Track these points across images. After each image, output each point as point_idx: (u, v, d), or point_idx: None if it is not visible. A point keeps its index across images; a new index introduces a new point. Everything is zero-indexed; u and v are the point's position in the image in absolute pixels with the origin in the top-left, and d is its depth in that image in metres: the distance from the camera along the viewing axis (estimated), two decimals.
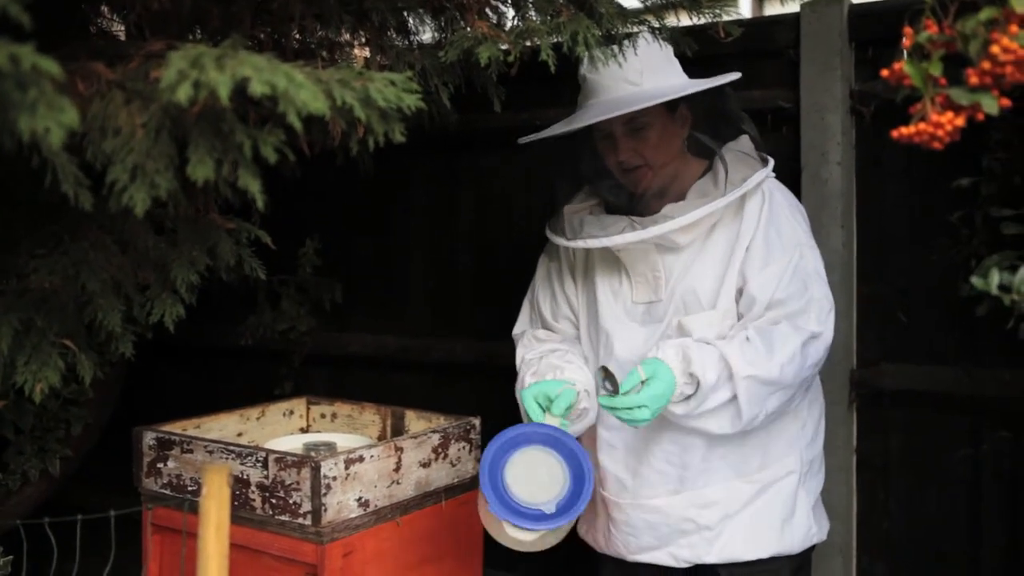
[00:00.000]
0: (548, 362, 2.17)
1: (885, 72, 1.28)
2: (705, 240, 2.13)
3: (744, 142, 2.20)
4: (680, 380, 1.92)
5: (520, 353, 2.31)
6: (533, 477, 1.89)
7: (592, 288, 2.25)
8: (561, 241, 2.19)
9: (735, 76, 2.15)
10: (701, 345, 1.97)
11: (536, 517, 1.88)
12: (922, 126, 1.24)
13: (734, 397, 1.95)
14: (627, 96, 2.09)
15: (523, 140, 2.24)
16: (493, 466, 1.90)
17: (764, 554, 2.14)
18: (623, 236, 2.08)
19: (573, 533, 2.43)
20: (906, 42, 1.28)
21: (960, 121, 1.23)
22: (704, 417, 1.99)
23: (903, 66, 1.26)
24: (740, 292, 2.08)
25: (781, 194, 2.18)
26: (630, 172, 2.15)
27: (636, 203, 2.17)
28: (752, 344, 1.97)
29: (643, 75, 2.08)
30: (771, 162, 2.16)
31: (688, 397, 1.95)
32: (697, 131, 2.19)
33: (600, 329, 2.22)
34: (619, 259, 2.19)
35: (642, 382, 1.90)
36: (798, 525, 2.17)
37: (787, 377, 1.98)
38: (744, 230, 2.10)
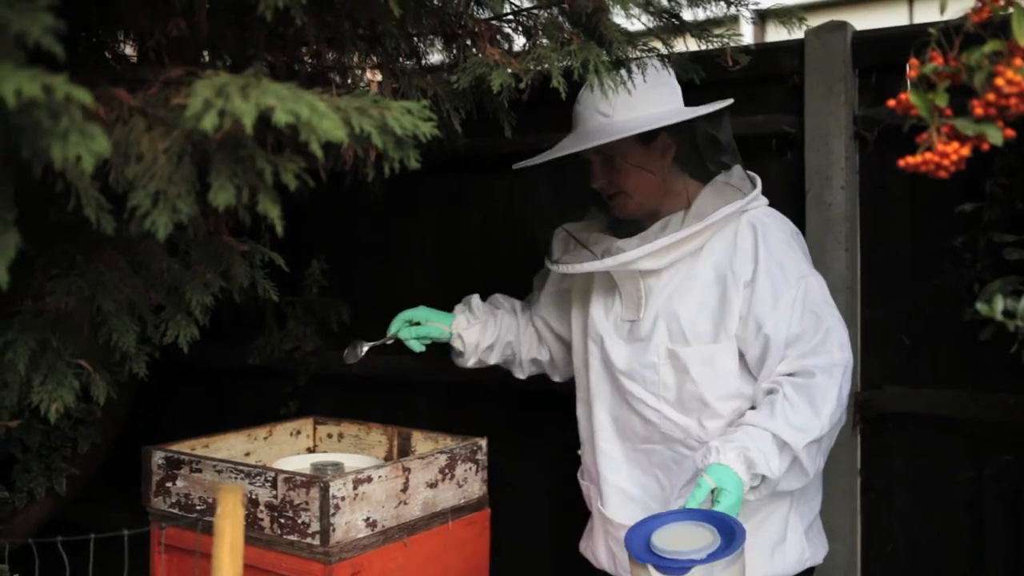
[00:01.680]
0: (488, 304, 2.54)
1: (892, 102, 1.31)
2: (692, 266, 2.16)
3: (736, 171, 2.24)
4: (746, 480, 1.92)
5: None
6: (677, 543, 1.77)
7: (587, 302, 2.33)
8: (547, 263, 2.33)
9: (719, 105, 2.17)
10: (756, 437, 1.94)
11: (685, 567, 1.73)
12: (928, 155, 1.26)
13: (795, 459, 1.97)
14: (596, 127, 2.16)
15: (517, 166, 2.31)
16: (638, 534, 1.81)
17: None
18: (583, 265, 2.18)
19: (575, 549, 2.46)
20: (912, 73, 1.31)
21: (966, 151, 1.26)
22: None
23: (909, 96, 1.28)
24: (754, 332, 2.08)
25: (774, 223, 2.19)
26: (611, 198, 2.23)
27: (621, 226, 2.26)
28: (795, 407, 1.97)
29: (615, 107, 2.12)
30: (753, 193, 2.17)
31: (758, 486, 1.97)
32: (680, 161, 2.22)
33: (591, 339, 2.30)
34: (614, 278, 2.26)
35: (712, 491, 1.89)
36: (791, 549, 2.18)
37: (834, 421, 2.01)
38: (740, 265, 2.11)
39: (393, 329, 2.47)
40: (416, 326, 2.48)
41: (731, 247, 2.13)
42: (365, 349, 2.47)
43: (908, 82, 1.32)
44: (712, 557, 1.71)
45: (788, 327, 2.05)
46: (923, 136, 1.27)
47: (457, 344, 2.51)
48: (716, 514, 1.83)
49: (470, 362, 2.53)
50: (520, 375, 2.62)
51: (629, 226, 2.24)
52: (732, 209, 2.12)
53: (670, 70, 2.13)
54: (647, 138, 2.16)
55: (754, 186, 2.20)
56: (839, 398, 2.01)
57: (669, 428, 2.18)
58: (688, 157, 2.22)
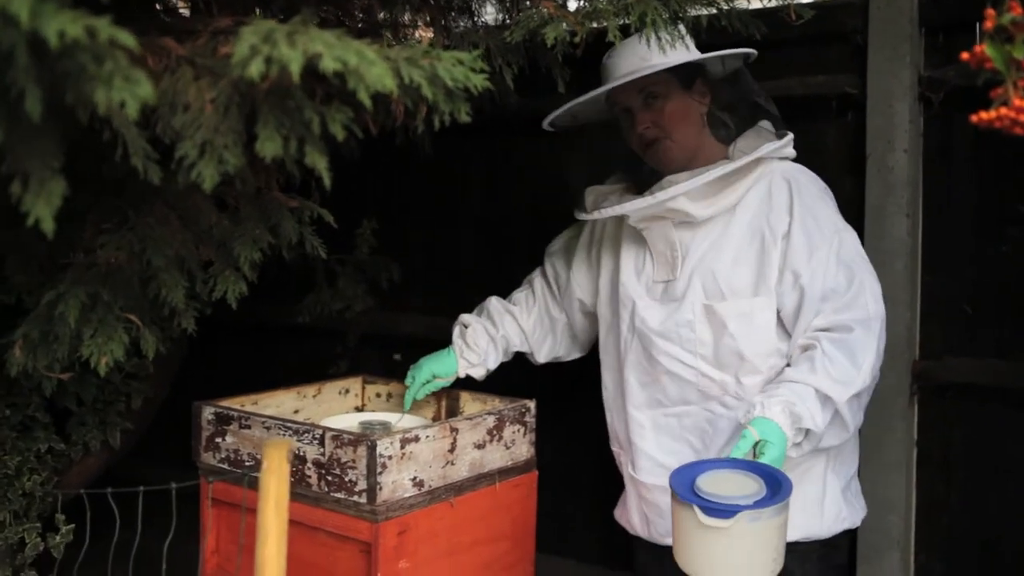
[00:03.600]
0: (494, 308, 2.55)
1: (965, 55, 1.25)
2: (727, 223, 2.15)
3: (765, 123, 2.23)
4: (790, 435, 1.89)
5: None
6: (723, 488, 1.74)
7: (616, 268, 2.32)
8: (580, 214, 2.30)
9: (748, 51, 2.16)
10: (799, 393, 1.92)
11: (731, 511, 1.69)
12: (1004, 111, 1.20)
13: (836, 413, 1.95)
14: (638, 70, 2.12)
15: (547, 121, 2.29)
16: (682, 477, 1.78)
17: (790, 537, 2.12)
18: (632, 203, 2.13)
19: (611, 519, 2.45)
20: (988, 24, 1.24)
21: None
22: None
23: (985, 49, 1.22)
24: (791, 283, 2.07)
25: (806, 178, 2.18)
26: (650, 146, 2.19)
27: (649, 186, 2.21)
28: (835, 361, 1.95)
29: (653, 52, 2.08)
30: (788, 137, 2.16)
31: (800, 442, 1.94)
32: (717, 108, 2.21)
33: (622, 303, 2.28)
34: (644, 239, 2.24)
35: (756, 443, 1.86)
36: (828, 508, 2.16)
37: (874, 375, 2.00)
38: (777, 219, 2.10)
39: (409, 400, 2.51)
40: (429, 383, 2.51)
41: (766, 202, 2.13)
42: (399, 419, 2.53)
43: (983, 34, 1.25)
44: (759, 504, 1.69)
45: (823, 280, 2.04)
46: (998, 91, 1.21)
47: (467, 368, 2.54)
48: (761, 466, 1.80)
49: (483, 376, 2.57)
50: (535, 363, 2.64)
51: (651, 182, 2.22)
52: (773, 147, 2.11)
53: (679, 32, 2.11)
54: (687, 81, 2.16)
55: (780, 131, 2.21)
56: (878, 351, 2.00)
57: (706, 385, 2.17)
58: (721, 108, 2.22)
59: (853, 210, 2.65)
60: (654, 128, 2.18)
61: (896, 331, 2.59)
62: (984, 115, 1.22)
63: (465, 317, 2.55)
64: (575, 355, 2.62)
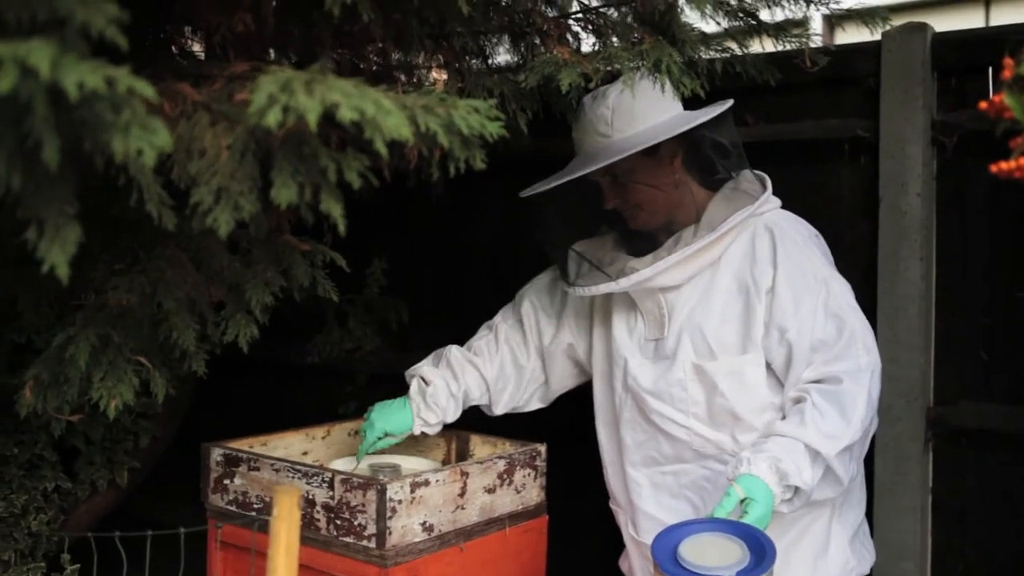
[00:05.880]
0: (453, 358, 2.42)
1: (984, 104, 1.24)
2: (712, 278, 2.11)
3: (745, 175, 2.17)
4: (777, 492, 1.84)
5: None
6: (705, 555, 1.71)
7: (609, 323, 2.28)
8: (564, 285, 2.28)
9: (719, 109, 2.08)
10: (787, 448, 1.87)
11: None
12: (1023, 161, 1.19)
13: (828, 467, 1.90)
14: (597, 150, 2.11)
15: (524, 194, 2.24)
16: (665, 542, 1.76)
17: None
18: (599, 287, 2.14)
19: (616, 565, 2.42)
20: (1007, 73, 1.24)
21: None
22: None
23: (1004, 98, 1.21)
24: (777, 339, 2.03)
25: (792, 226, 2.13)
26: (626, 212, 2.18)
27: (641, 239, 2.19)
28: (824, 415, 1.90)
29: (612, 125, 2.08)
30: (763, 196, 2.10)
31: (791, 499, 1.89)
32: (688, 167, 2.15)
33: (615, 361, 2.25)
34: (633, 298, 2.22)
35: (741, 501, 1.81)
36: (833, 560, 2.11)
37: (865, 427, 1.95)
38: (760, 273, 2.06)
39: (361, 456, 2.39)
40: (381, 440, 2.38)
41: (749, 255, 2.09)
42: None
43: (1002, 84, 1.25)
44: (740, 575, 1.65)
45: (811, 332, 1.99)
46: (1018, 140, 1.20)
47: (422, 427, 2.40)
48: (747, 527, 1.76)
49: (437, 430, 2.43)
50: (490, 414, 2.52)
51: (643, 240, 2.19)
52: (743, 216, 2.07)
53: (654, 82, 1.99)
54: (650, 150, 2.09)
55: (764, 188, 2.14)
56: (868, 403, 1.94)
57: (700, 444, 2.13)
58: (695, 163, 2.15)
59: (866, 254, 2.64)
60: (622, 202, 2.16)
61: (910, 376, 2.57)
62: (1004, 165, 1.21)
63: (425, 371, 2.41)
64: (534, 406, 2.51)
